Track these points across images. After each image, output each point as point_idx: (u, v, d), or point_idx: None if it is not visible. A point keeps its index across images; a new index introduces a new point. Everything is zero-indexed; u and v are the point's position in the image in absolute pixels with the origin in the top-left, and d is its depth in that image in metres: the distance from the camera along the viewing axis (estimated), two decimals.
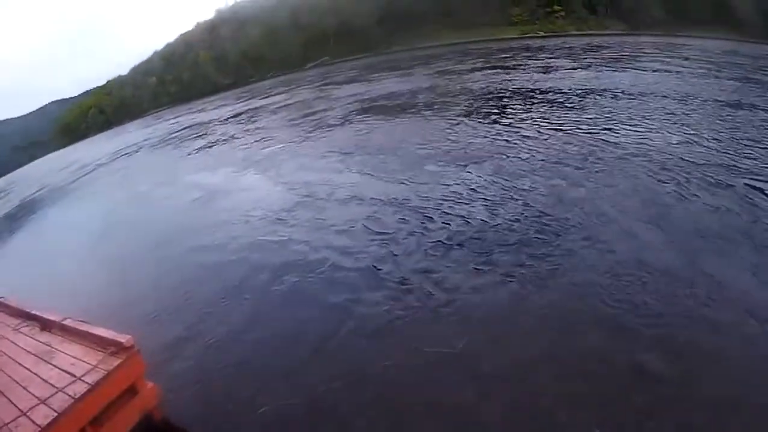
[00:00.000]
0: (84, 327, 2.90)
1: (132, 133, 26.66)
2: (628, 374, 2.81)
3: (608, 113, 7.84)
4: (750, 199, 4.55)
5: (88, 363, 2.59)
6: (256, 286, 4.43)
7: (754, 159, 5.37)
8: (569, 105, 8.93)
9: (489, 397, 2.83)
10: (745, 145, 5.86)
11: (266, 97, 22.04)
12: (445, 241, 4.52)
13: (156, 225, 6.90)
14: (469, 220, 4.84)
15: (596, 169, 5.42)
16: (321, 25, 36.93)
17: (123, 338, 2.66)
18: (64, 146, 33.10)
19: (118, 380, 2.57)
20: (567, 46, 21.09)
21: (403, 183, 5.91)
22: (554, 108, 8.78)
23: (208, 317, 4.08)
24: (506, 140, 6.94)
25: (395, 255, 4.46)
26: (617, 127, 6.93)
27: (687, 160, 5.43)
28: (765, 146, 5.79)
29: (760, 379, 2.67)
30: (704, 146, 5.87)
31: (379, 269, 4.27)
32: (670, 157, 5.57)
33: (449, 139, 7.48)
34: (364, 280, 4.15)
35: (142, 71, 50.70)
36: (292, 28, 37.31)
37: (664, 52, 16.42)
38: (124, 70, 54.15)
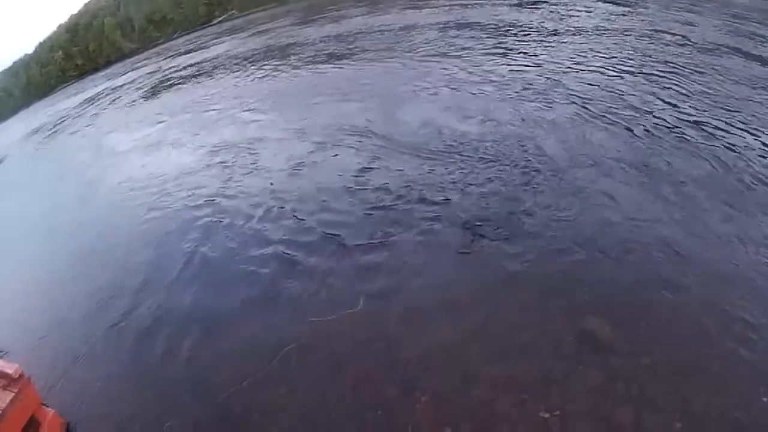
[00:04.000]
0: None
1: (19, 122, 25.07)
2: (573, 346, 2.62)
3: None
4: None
5: None
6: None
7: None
8: None
9: (412, 390, 2.59)
10: None
11: (130, 72, 21.37)
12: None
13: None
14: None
15: None
16: None
17: (10, 368, 2.42)
18: None
19: (15, 417, 2.35)
20: None
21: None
22: None
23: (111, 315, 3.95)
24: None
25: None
26: None
27: None
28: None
29: (712, 337, 2.56)
30: None
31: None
32: None
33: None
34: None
35: (47, 47, 47.45)
36: None
37: None
38: (30, 48, 50.43)
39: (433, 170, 4.65)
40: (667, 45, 7.03)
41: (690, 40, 7.05)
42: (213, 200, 5.34)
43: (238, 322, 3.49)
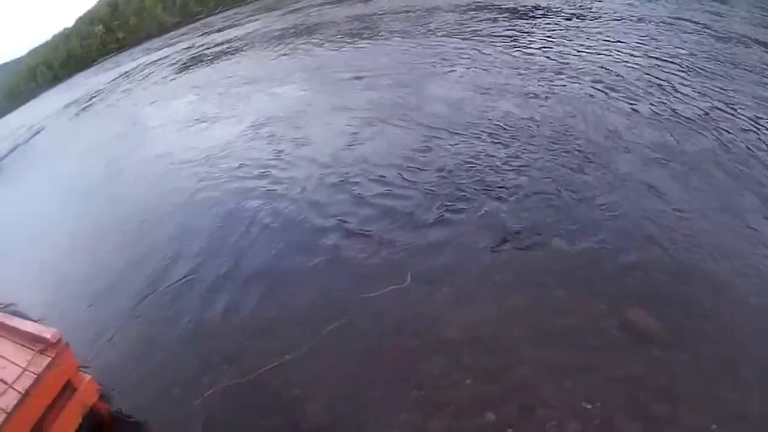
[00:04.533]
0: (12, 322, 2.62)
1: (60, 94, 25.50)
2: (616, 336, 2.61)
3: None
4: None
5: (18, 365, 2.36)
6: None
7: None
8: None
9: (455, 371, 2.60)
10: None
11: (166, 48, 21.57)
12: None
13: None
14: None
15: None
16: None
17: (48, 333, 2.41)
18: (10, 111, 31.69)
19: (51, 382, 2.35)
20: None
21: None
22: None
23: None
24: None
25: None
26: None
27: None
28: None
29: (755, 337, 2.50)
30: None
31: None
32: None
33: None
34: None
35: (87, 20, 48.28)
36: None
37: None
38: (69, 22, 51.32)
39: (483, 151, 4.70)
40: (685, 33, 6.72)
41: (711, 29, 6.71)
42: (266, 172, 5.47)
43: (287, 295, 3.58)
